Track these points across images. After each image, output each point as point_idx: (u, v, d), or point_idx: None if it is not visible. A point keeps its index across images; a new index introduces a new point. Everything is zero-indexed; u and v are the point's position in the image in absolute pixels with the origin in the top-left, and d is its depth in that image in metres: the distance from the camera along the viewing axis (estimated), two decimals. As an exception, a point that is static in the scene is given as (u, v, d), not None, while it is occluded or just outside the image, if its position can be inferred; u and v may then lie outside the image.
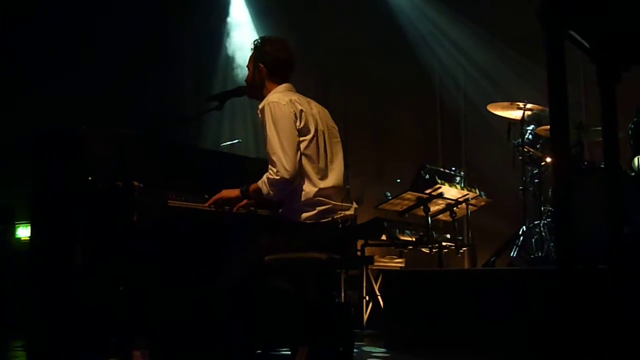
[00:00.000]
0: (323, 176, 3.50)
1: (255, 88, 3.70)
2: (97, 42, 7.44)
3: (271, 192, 3.40)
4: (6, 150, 6.35)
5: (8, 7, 6.96)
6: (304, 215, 3.45)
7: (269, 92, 3.61)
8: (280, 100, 3.45)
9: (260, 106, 3.52)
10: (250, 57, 3.73)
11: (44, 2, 7.25)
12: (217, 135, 8.31)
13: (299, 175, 3.42)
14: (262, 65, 3.65)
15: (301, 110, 3.47)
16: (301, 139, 3.44)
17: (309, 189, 3.44)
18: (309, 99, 3.66)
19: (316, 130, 3.51)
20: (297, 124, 3.44)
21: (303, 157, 3.44)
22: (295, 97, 3.54)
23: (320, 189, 3.45)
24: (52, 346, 3.72)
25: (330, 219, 3.46)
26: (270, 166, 3.38)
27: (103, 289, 3.54)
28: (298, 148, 3.41)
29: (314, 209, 3.44)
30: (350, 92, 8.65)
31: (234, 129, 8.52)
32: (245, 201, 3.58)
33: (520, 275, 4.68)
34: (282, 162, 3.34)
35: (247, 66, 3.75)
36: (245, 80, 3.77)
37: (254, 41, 3.77)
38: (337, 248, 3.48)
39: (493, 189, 6.84)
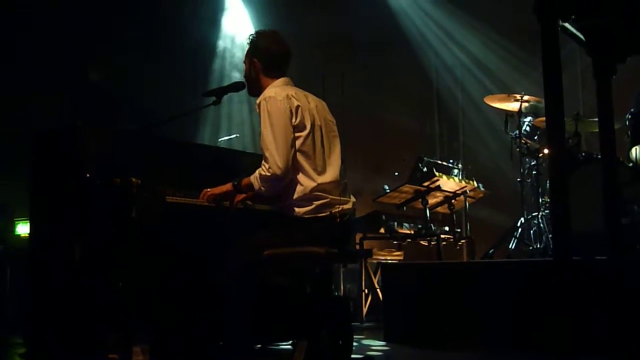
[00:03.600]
0: (321, 171, 3.47)
1: (252, 83, 3.67)
2: (92, 37, 7.41)
3: (262, 188, 3.39)
4: (5, 147, 6.34)
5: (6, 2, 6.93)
6: (302, 210, 3.42)
7: (266, 86, 3.57)
8: (277, 96, 3.42)
9: (257, 101, 3.49)
10: (246, 52, 3.70)
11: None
12: (215, 131, 8.30)
13: (295, 171, 3.41)
14: (256, 60, 3.62)
15: (297, 106, 3.44)
16: (297, 134, 3.41)
17: (306, 184, 3.41)
18: (306, 93, 3.63)
19: (312, 126, 3.48)
20: (293, 120, 3.41)
21: (299, 154, 3.41)
22: (292, 91, 3.51)
23: (318, 184, 3.42)
24: (52, 342, 3.73)
25: (328, 213, 3.44)
26: (263, 162, 3.37)
27: (102, 284, 3.54)
28: (292, 144, 3.39)
29: (311, 204, 3.41)
30: (348, 85, 8.65)
31: (231, 124, 8.51)
32: (242, 195, 3.58)
33: (518, 267, 4.69)
34: (274, 159, 3.32)
35: (244, 62, 3.72)
36: (243, 77, 3.74)
37: (249, 36, 3.73)
38: (336, 242, 3.45)
39: (491, 181, 6.85)
